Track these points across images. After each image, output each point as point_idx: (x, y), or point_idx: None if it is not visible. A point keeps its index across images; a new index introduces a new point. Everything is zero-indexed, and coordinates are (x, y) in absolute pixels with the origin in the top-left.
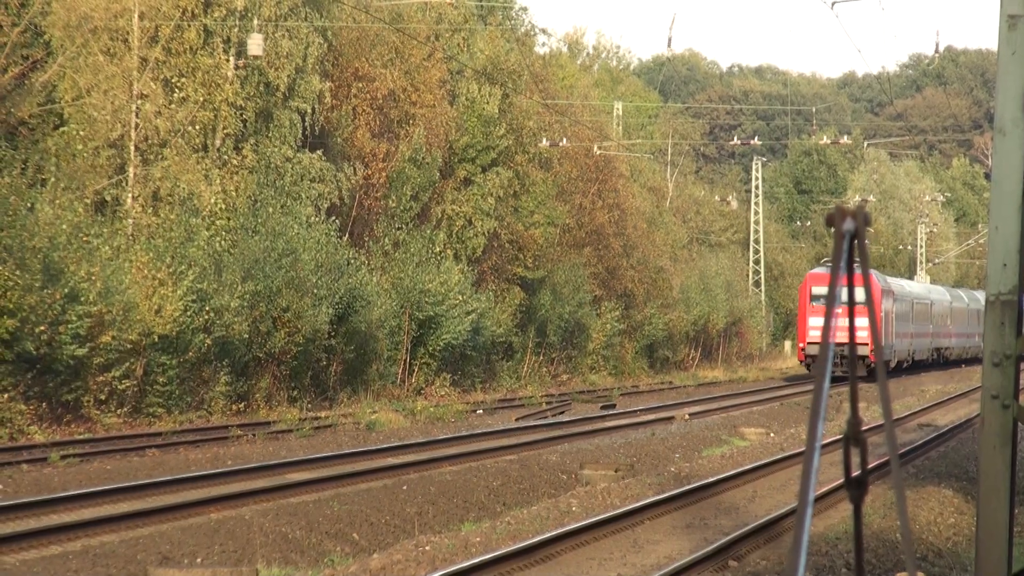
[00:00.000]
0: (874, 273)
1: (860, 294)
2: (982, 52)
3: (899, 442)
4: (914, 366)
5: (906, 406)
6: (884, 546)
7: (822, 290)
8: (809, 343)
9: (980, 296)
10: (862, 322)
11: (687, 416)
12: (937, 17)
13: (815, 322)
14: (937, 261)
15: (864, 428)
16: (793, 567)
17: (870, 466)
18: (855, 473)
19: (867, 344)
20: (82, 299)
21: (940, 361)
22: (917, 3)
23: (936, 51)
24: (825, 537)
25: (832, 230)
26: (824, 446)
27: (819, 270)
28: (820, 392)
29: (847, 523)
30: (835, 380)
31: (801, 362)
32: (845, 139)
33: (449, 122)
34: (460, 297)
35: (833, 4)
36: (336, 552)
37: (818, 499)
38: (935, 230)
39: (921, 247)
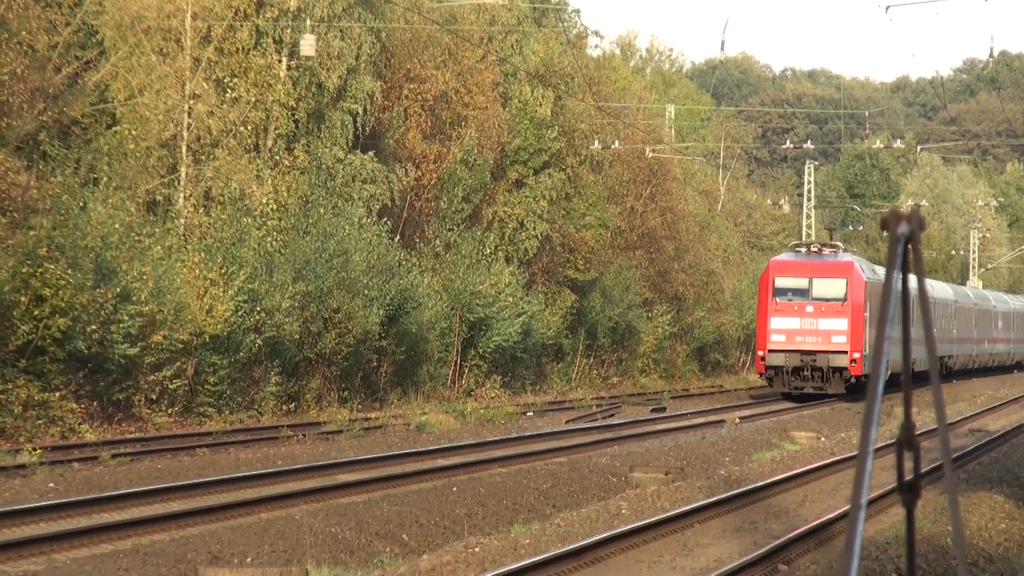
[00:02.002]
0: (855, 260)
1: (828, 288)
2: None
3: (951, 447)
4: (915, 379)
5: (957, 411)
6: (935, 551)
7: (789, 282)
8: (771, 351)
9: (992, 296)
10: (830, 323)
11: (737, 420)
12: (992, 21)
13: (779, 323)
14: (990, 266)
15: (917, 433)
16: (846, 571)
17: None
18: (908, 477)
19: (844, 352)
20: (134, 298)
21: (944, 372)
22: (971, 7)
23: (990, 55)
24: (875, 542)
25: (886, 234)
26: (876, 450)
27: (785, 256)
28: (873, 397)
29: (897, 528)
30: (802, 399)
31: (761, 375)
32: (898, 143)
33: (501, 124)
34: (511, 299)
35: (887, 8)
36: (386, 553)
37: (869, 503)
38: (988, 235)
39: (974, 252)
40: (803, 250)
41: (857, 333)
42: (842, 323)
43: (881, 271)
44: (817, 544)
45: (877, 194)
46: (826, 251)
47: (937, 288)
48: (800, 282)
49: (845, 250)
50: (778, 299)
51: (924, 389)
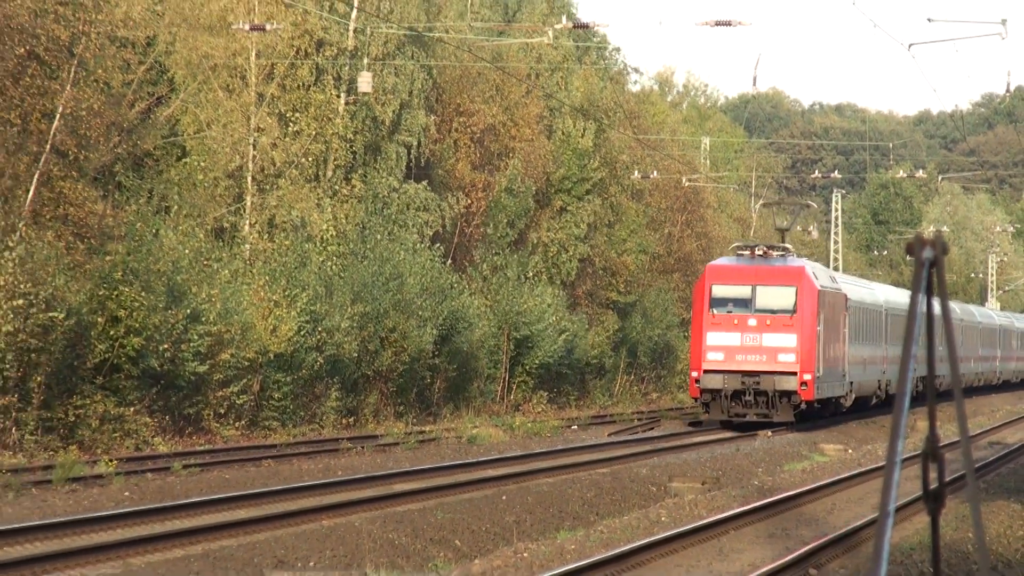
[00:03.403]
0: (807, 265)
1: (774, 298)
2: None
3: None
4: (888, 401)
5: (978, 424)
6: (956, 556)
7: (728, 291)
8: (707, 371)
9: (997, 315)
10: (777, 339)
11: (770, 433)
12: (1008, 59)
13: (717, 339)
14: (1007, 288)
15: (941, 445)
16: (874, 574)
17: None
18: (933, 487)
19: (793, 373)
20: (203, 319)
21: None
22: (989, 45)
23: (1007, 91)
24: (900, 548)
25: (910, 258)
26: (902, 461)
27: (723, 261)
28: (900, 410)
29: (921, 535)
30: (744, 427)
31: (696, 399)
32: (920, 173)
33: (546, 155)
34: (553, 318)
35: (910, 46)
36: (440, 557)
37: (895, 511)
38: (1005, 259)
39: (992, 275)
40: (746, 253)
41: (808, 351)
42: (790, 339)
43: (841, 278)
44: (845, 550)
45: (900, 221)
46: (773, 254)
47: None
48: (741, 291)
49: (796, 253)
50: (715, 311)
51: (944, 404)
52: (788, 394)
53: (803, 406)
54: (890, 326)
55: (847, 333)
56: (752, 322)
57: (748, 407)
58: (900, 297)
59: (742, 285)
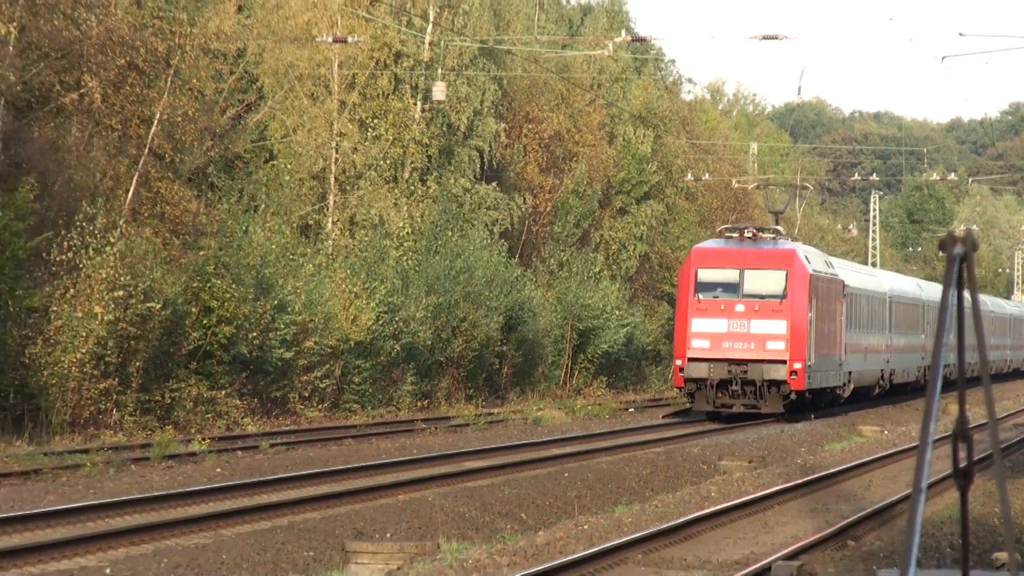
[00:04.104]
0: (798, 249)
1: (763, 282)
2: None
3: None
4: (893, 391)
5: (1003, 408)
6: (983, 529)
7: (715, 275)
8: (691, 360)
9: (1008, 305)
10: (765, 326)
11: (812, 416)
12: None
13: (702, 326)
14: None
15: (970, 426)
16: (908, 546)
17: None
18: (962, 465)
19: (783, 361)
20: (289, 310)
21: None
22: (1017, 58)
23: None
24: (931, 521)
25: (943, 254)
26: (934, 442)
27: (710, 243)
28: (932, 395)
29: (950, 509)
30: (731, 419)
31: (680, 389)
32: (952, 176)
33: (607, 159)
34: (617, 312)
35: (943, 58)
36: (507, 529)
37: (927, 487)
38: None
39: (1018, 270)
40: (735, 235)
41: (799, 338)
42: (780, 326)
43: (838, 263)
44: (881, 523)
45: (933, 220)
46: (763, 237)
47: (930, 287)
48: (729, 274)
49: (787, 236)
50: (701, 296)
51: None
52: (777, 384)
53: (793, 396)
54: (894, 314)
55: (844, 320)
56: (740, 308)
57: (735, 397)
58: (905, 285)
59: (729, 269)
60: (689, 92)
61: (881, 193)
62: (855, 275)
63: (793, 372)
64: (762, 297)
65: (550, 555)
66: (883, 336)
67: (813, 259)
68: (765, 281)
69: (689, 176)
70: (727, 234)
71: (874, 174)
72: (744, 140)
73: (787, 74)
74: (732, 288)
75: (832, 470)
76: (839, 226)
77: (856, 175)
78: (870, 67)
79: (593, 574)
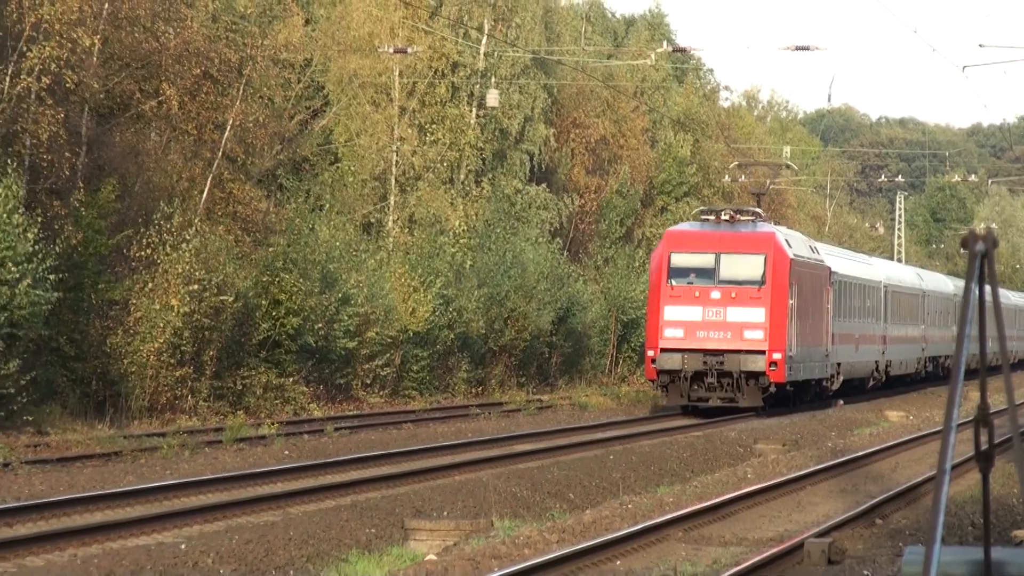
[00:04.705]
0: (777, 232)
1: (741, 267)
2: None
3: (1018, 423)
4: (890, 384)
5: (1021, 395)
6: (1003, 508)
7: (689, 260)
8: (664, 350)
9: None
10: (743, 314)
11: (841, 403)
12: None
13: (675, 314)
14: None
15: (990, 412)
16: (933, 524)
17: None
18: (984, 448)
19: (762, 352)
20: (352, 302)
21: (940, 375)
22: None
23: None
24: (955, 501)
25: (965, 251)
26: (957, 426)
27: (685, 226)
28: (956, 382)
29: (972, 490)
30: (708, 414)
31: (652, 382)
32: (972, 178)
33: (649, 162)
34: None
35: (964, 68)
36: (556, 508)
37: (951, 469)
38: None
39: None
40: (711, 218)
41: (779, 327)
42: (758, 313)
43: (826, 249)
44: (907, 503)
45: (955, 219)
46: (741, 219)
47: (932, 277)
48: (704, 259)
49: (766, 219)
50: (674, 281)
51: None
52: (755, 375)
53: (772, 389)
54: (891, 304)
55: (830, 309)
56: (715, 295)
57: (711, 391)
58: (903, 274)
59: (705, 253)
60: (726, 99)
61: (906, 194)
62: (844, 261)
63: (772, 363)
64: (739, 283)
65: (596, 532)
66: (878, 326)
67: (795, 243)
68: (742, 266)
69: (726, 178)
70: (703, 216)
71: (899, 176)
72: (778, 144)
73: (818, 82)
74: (707, 274)
75: (861, 453)
76: (867, 224)
77: (883, 177)
78: (896, 76)
79: (637, 550)
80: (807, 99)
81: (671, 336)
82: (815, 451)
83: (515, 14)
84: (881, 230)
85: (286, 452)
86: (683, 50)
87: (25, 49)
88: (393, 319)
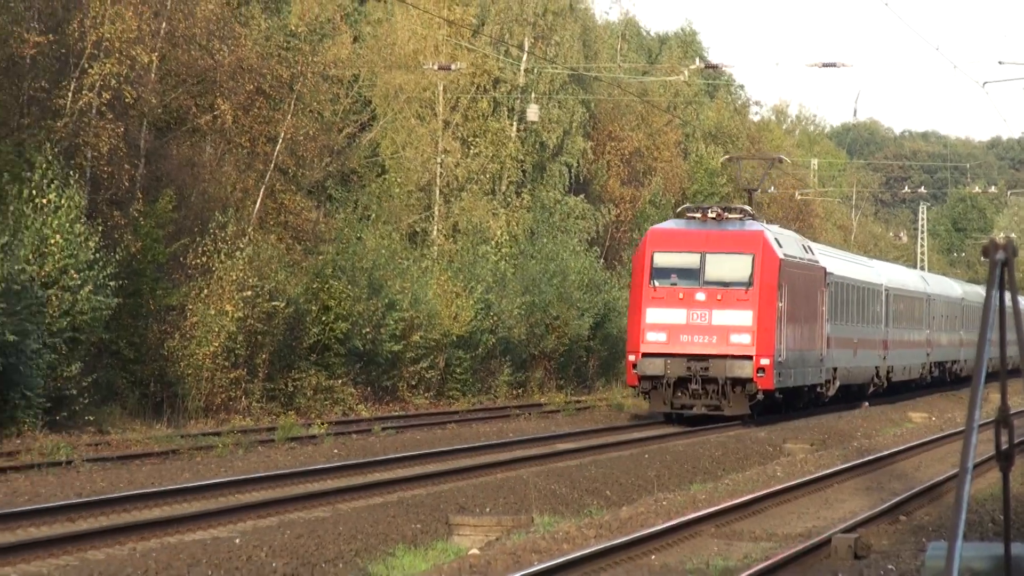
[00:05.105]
0: (766, 231)
1: (727, 268)
2: None
3: None
4: (892, 390)
5: None
6: (1023, 506)
7: (673, 259)
8: (646, 355)
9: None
10: (729, 317)
11: (866, 404)
12: None
13: (658, 316)
14: None
15: (1011, 413)
16: (955, 521)
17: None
18: (1004, 448)
19: (749, 357)
20: (397, 307)
21: (947, 380)
22: None
23: None
24: (976, 499)
25: (986, 259)
26: (978, 427)
27: (669, 224)
28: (977, 385)
29: (993, 488)
30: (692, 422)
31: (634, 388)
32: (992, 189)
33: (682, 173)
34: None
35: (984, 83)
36: (593, 505)
37: (972, 468)
38: None
39: None
40: (696, 215)
41: (767, 330)
42: (746, 316)
43: (821, 249)
44: (930, 500)
45: (976, 228)
46: (729, 217)
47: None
48: (688, 259)
49: (760, 217)
50: (657, 283)
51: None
52: (742, 382)
53: (760, 397)
54: (892, 307)
55: (825, 312)
56: (700, 296)
57: (696, 397)
58: (906, 277)
59: (689, 252)
60: (756, 113)
61: (928, 204)
62: (841, 263)
63: (760, 369)
64: (725, 284)
65: (632, 527)
66: (878, 330)
67: (786, 243)
68: (729, 266)
69: (758, 191)
70: (688, 214)
71: (922, 187)
72: (805, 157)
73: (844, 97)
74: (692, 274)
75: (886, 452)
76: (891, 234)
77: (906, 188)
78: (919, 91)
79: (671, 545)
80: (834, 113)
81: (653, 340)
82: (842, 450)
83: (554, 32)
84: (905, 239)
85: (335, 451)
86: (715, 66)
87: (87, 66)
88: (437, 324)
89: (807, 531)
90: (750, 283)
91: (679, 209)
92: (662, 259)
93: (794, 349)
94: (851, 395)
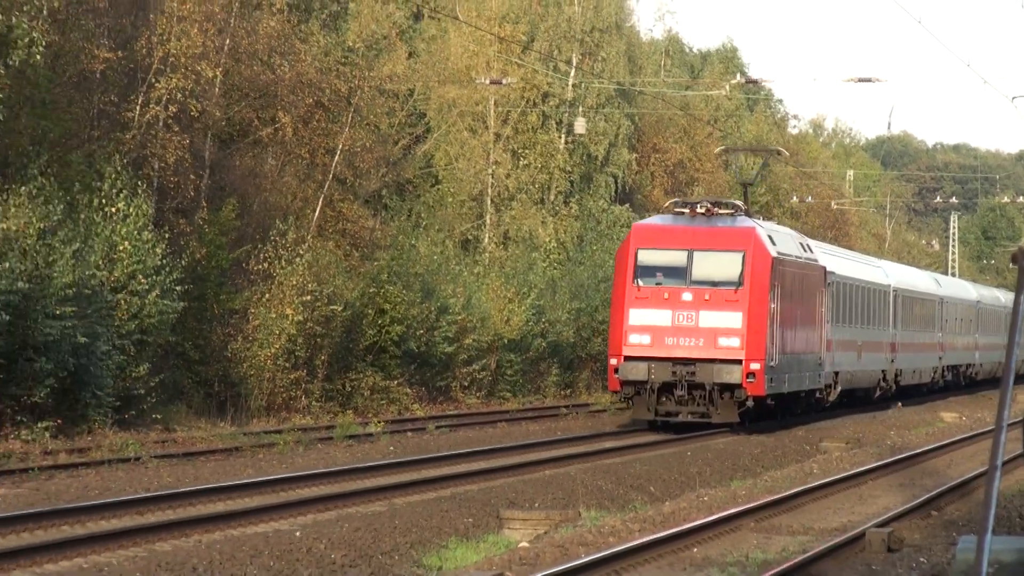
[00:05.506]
0: (757, 227)
1: (716, 266)
2: None
3: None
4: (902, 394)
5: None
6: None
7: (658, 257)
8: (628, 358)
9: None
10: (718, 318)
11: (900, 405)
12: None
13: (642, 318)
14: None
15: None
16: (984, 516)
17: None
18: None
19: (738, 361)
20: (451, 311)
21: (962, 384)
22: None
23: None
24: (1004, 494)
25: (1014, 265)
26: (1007, 426)
27: (655, 220)
28: (1007, 386)
29: (1021, 484)
30: (679, 429)
31: (616, 393)
32: (1021, 199)
33: (723, 184)
34: None
35: (1013, 98)
36: (638, 500)
37: (1001, 465)
38: None
39: None
40: (684, 211)
41: (758, 333)
42: (735, 318)
43: (821, 248)
44: (960, 496)
45: (1005, 236)
46: (719, 212)
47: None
48: (675, 257)
49: (757, 213)
50: (641, 282)
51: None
52: (731, 388)
53: (750, 403)
54: (901, 309)
55: (826, 313)
56: (687, 296)
57: (681, 404)
58: (916, 278)
59: (676, 250)
60: (794, 126)
61: (959, 213)
62: (843, 262)
63: (750, 374)
64: (714, 284)
65: (675, 522)
66: (885, 333)
67: (781, 240)
68: (718, 265)
69: (794, 198)
70: (676, 209)
71: (953, 197)
72: (841, 168)
73: (879, 111)
74: (678, 273)
75: (918, 450)
76: (923, 241)
77: (938, 198)
78: (950, 105)
79: (712, 539)
80: (869, 126)
81: (636, 343)
82: (876, 449)
83: (601, 49)
84: (936, 247)
85: (391, 448)
86: (754, 81)
87: (154, 81)
88: (488, 327)
89: (842, 525)
90: (740, 283)
91: (666, 204)
92: (647, 256)
93: (788, 352)
94: (856, 400)
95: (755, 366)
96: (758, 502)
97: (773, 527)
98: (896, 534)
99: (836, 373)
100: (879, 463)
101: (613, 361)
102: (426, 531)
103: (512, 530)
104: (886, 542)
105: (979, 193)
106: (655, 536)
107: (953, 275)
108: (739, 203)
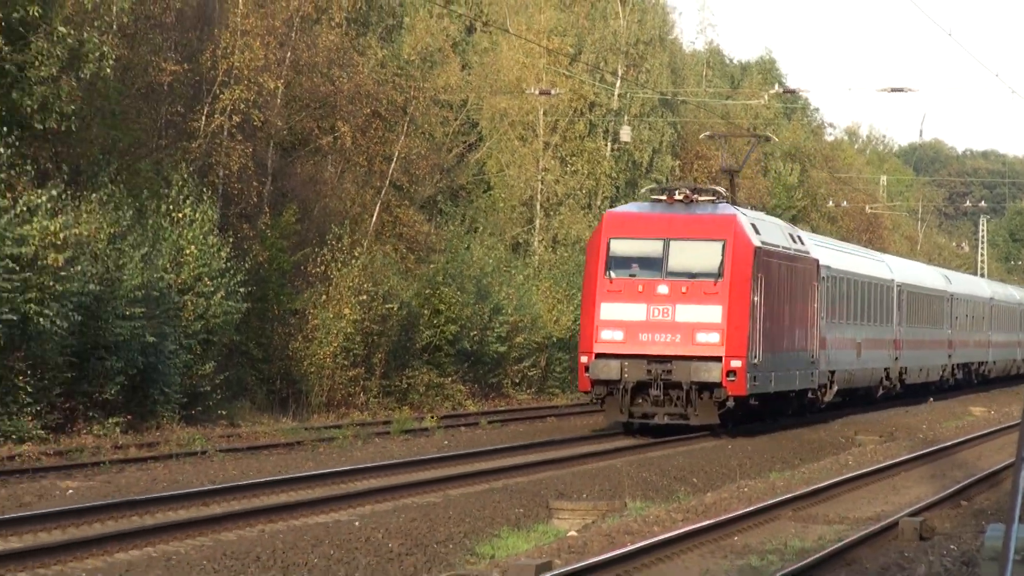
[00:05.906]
0: (739, 215)
1: (693, 256)
2: None
3: None
4: (907, 393)
5: None
6: None
7: (632, 247)
8: (600, 355)
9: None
10: (695, 313)
11: (931, 400)
12: None
13: (614, 312)
14: None
15: None
16: (1012, 505)
17: None
18: None
19: (718, 358)
20: (503, 312)
21: (974, 382)
22: None
23: None
24: None
25: None
26: None
27: (630, 207)
28: None
29: None
30: (656, 432)
31: (587, 392)
32: None
33: (763, 189)
34: None
35: None
36: (681, 491)
37: None
38: None
39: None
40: (662, 198)
41: (739, 328)
42: (714, 312)
43: (814, 239)
44: (989, 486)
45: None
46: (698, 200)
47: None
48: (650, 246)
49: (728, 199)
50: (614, 273)
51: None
52: (710, 387)
53: (731, 404)
54: (905, 305)
55: (819, 308)
56: (663, 289)
57: (657, 405)
58: (923, 273)
59: (651, 239)
60: (830, 134)
61: (988, 217)
62: (840, 255)
63: (731, 372)
64: (692, 276)
65: (716, 512)
66: (888, 329)
67: (766, 229)
68: (696, 255)
69: (830, 203)
70: (653, 196)
71: (982, 201)
72: (875, 174)
73: (911, 119)
74: (654, 264)
75: (948, 443)
76: (953, 244)
77: (967, 202)
78: (979, 114)
79: (752, 528)
80: (901, 134)
81: (608, 339)
82: (908, 442)
83: (645, 60)
84: (966, 249)
85: (445, 442)
86: (792, 91)
87: (218, 92)
88: (539, 327)
89: (876, 515)
90: (720, 274)
91: (642, 191)
92: (620, 247)
93: (775, 350)
94: (857, 399)
95: (736, 364)
96: (796, 492)
97: (810, 516)
98: (928, 523)
99: (832, 372)
100: (911, 455)
101: (583, 359)
102: (479, 521)
103: (561, 520)
104: (918, 531)
105: (1007, 197)
106: (697, 525)
107: (983, 275)
108: (721, 189)
